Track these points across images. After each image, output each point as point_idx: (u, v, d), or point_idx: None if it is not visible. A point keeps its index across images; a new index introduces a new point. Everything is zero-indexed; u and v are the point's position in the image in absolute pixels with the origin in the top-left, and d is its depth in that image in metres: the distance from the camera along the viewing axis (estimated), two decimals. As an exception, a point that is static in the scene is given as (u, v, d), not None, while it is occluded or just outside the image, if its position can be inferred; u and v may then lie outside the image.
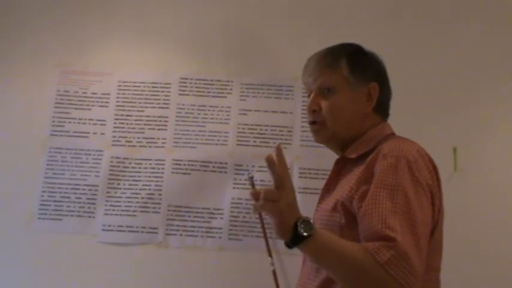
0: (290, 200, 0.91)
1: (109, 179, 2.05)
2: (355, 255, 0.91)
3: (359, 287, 0.93)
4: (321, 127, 1.19)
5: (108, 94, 2.13)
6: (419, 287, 0.92)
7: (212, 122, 2.10)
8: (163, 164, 2.06)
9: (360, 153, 1.11)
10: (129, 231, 2.01)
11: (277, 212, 0.90)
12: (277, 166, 0.91)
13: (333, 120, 1.17)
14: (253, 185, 1.00)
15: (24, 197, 2.04)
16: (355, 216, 1.01)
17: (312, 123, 1.20)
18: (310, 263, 1.09)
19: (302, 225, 0.89)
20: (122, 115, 2.12)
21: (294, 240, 0.90)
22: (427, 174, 1.03)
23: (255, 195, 0.92)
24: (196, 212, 2.01)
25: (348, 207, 1.03)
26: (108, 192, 2.04)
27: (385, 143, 1.08)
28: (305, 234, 0.89)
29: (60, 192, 2.04)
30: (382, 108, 1.21)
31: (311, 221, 0.91)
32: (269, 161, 0.90)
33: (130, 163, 2.07)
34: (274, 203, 0.89)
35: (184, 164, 2.06)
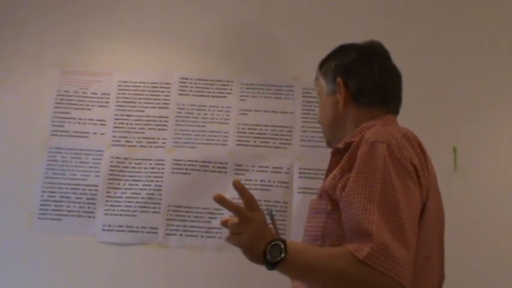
0: (256, 227, 0.91)
1: (109, 179, 2.05)
2: (334, 261, 0.90)
3: None
4: (323, 134, 1.28)
5: (108, 94, 2.13)
6: (410, 273, 0.89)
7: (212, 122, 2.10)
8: (163, 164, 2.06)
9: (347, 141, 1.09)
10: (129, 231, 2.01)
11: (242, 243, 0.90)
12: (246, 189, 0.92)
13: (322, 128, 1.26)
14: (273, 220, 1.00)
15: (24, 197, 2.03)
16: (339, 203, 1.01)
17: None
18: None
19: (271, 252, 0.89)
20: (122, 115, 2.12)
21: (267, 266, 0.90)
22: (413, 154, 0.98)
23: (224, 223, 0.94)
24: (196, 212, 2.01)
25: (330, 195, 1.03)
26: (108, 192, 2.04)
27: (370, 130, 1.06)
28: (275, 260, 0.89)
29: (60, 192, 2.04)
30: (366, 98, 1.15)
31: (281, 244, 0.89)
32: (237, 184, 0.91)
33: (130, 163, 2.07)
34: (239, 236, 0.91)
35: (184, 164, 2.06)
